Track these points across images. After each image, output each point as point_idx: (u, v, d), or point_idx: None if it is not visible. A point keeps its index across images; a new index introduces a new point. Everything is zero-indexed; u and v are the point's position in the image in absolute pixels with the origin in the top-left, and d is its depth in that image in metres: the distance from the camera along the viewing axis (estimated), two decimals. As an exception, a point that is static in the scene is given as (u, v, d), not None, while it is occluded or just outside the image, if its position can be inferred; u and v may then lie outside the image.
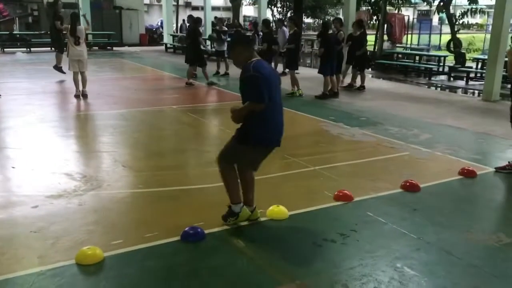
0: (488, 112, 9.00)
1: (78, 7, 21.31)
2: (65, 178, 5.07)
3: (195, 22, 12.37)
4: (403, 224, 4.05)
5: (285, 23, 13.56)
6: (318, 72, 10.49)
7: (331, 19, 14.47)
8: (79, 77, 9.96)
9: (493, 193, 5.00)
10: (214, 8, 26.90)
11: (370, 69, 16.84)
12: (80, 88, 10.00)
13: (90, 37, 18.93)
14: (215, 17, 14.79)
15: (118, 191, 4.80)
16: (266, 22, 10.63)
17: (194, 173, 5.60)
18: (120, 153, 6.18)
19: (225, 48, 13.82)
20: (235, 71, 13.35)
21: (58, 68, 12.55)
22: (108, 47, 22.86)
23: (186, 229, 3.73)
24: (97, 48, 22.41)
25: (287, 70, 10.87)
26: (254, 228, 3.96)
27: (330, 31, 10.39)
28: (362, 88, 11.62)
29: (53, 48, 14.09)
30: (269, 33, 10.34)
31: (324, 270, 3.35)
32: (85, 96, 9.94)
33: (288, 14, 27.66)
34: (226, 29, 14.06)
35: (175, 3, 27.24)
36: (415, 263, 3.42)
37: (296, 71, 10.75)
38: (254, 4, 36.68)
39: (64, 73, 12.07)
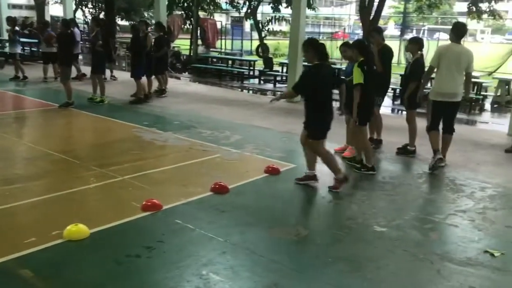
0: (290, 112, 9.74)
1: None
2: None
3: None
4: (211, 228, 4.04)
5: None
6: (131, 76, 10.17)
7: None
8: None
9: (294, 188, 5.33)
10: (15, 6, 24.09)
11: (186, 73, 17.03)
12: None
13: None
14: (8, 17, 13.11)
15: None
16: (64, 22, 9.89)
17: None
18: None
19: (18, 50, 12.64)
20: (32, 75, 12.17)
21: None
22: None
23: (-44, 266, 3.11)
24: None
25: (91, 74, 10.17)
26: (47, 254, 3.50)
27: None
28: (160, 92, 11.01)
29: None
30: (68, 34, 9.52)
31: (127, 289, 3.11)
32: None
33: (101, 16, 26.31)
34: (18, 29, 12.76)
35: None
36: (220, 267, 3.41)
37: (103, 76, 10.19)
38: (61, 3, 34.04)
39: None
